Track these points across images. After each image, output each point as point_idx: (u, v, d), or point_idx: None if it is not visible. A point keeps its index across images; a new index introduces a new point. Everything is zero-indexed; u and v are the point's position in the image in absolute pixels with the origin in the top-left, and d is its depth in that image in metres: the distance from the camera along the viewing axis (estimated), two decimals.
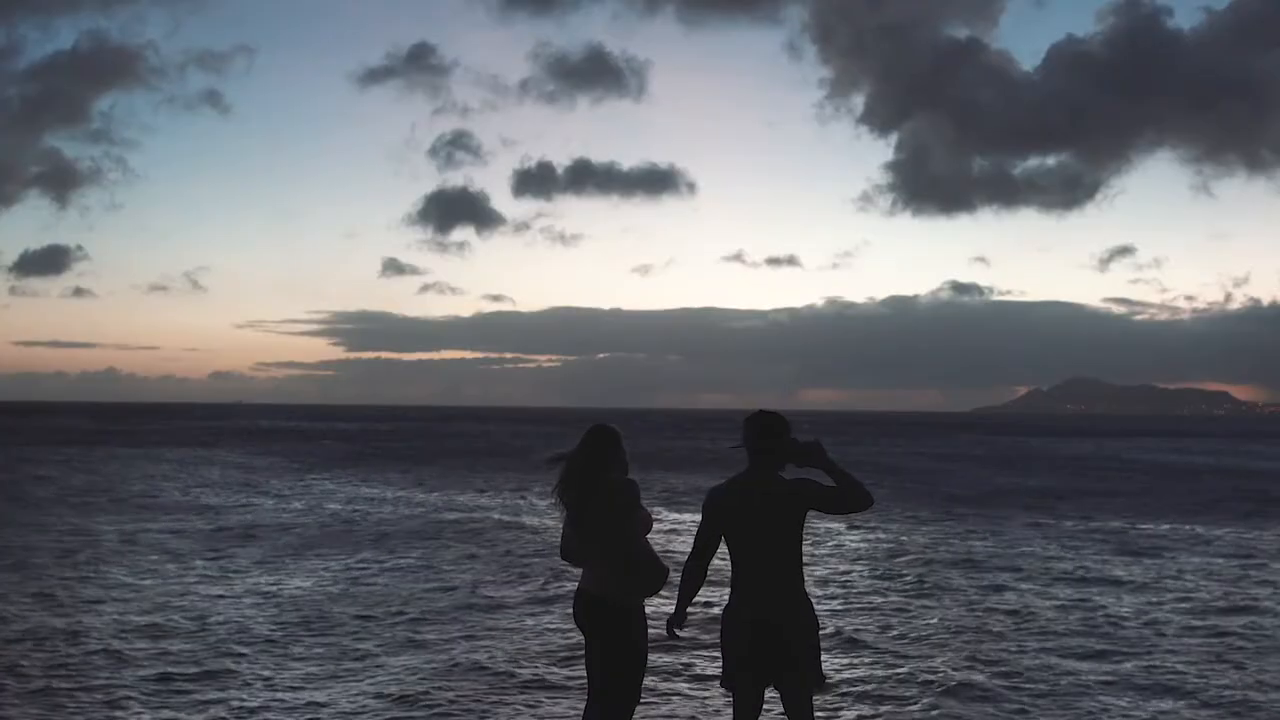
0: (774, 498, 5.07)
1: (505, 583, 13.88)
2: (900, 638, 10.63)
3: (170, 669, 9.12)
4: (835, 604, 12.38)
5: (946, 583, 13.97)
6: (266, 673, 9.02)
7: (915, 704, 8.26)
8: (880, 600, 12.74)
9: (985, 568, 15.42)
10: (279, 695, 8.35)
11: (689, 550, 5.29)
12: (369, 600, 12.54)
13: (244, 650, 9.82)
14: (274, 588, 13.34)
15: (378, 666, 9.34)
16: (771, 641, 5.01)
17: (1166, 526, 21.60)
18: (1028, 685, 8.77)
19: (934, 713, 8.03)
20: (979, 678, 8.96)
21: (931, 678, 8.95)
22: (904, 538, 18.93)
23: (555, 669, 9.24)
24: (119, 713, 7.90)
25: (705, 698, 8.33)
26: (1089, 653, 9.99)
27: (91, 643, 10.04)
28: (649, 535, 5.58)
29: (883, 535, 19.27)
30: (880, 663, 9.55)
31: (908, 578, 14.40)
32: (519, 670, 9.20)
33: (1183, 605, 12.54)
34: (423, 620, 11.39)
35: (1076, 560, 16.26)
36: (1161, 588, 13.80)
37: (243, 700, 8.20)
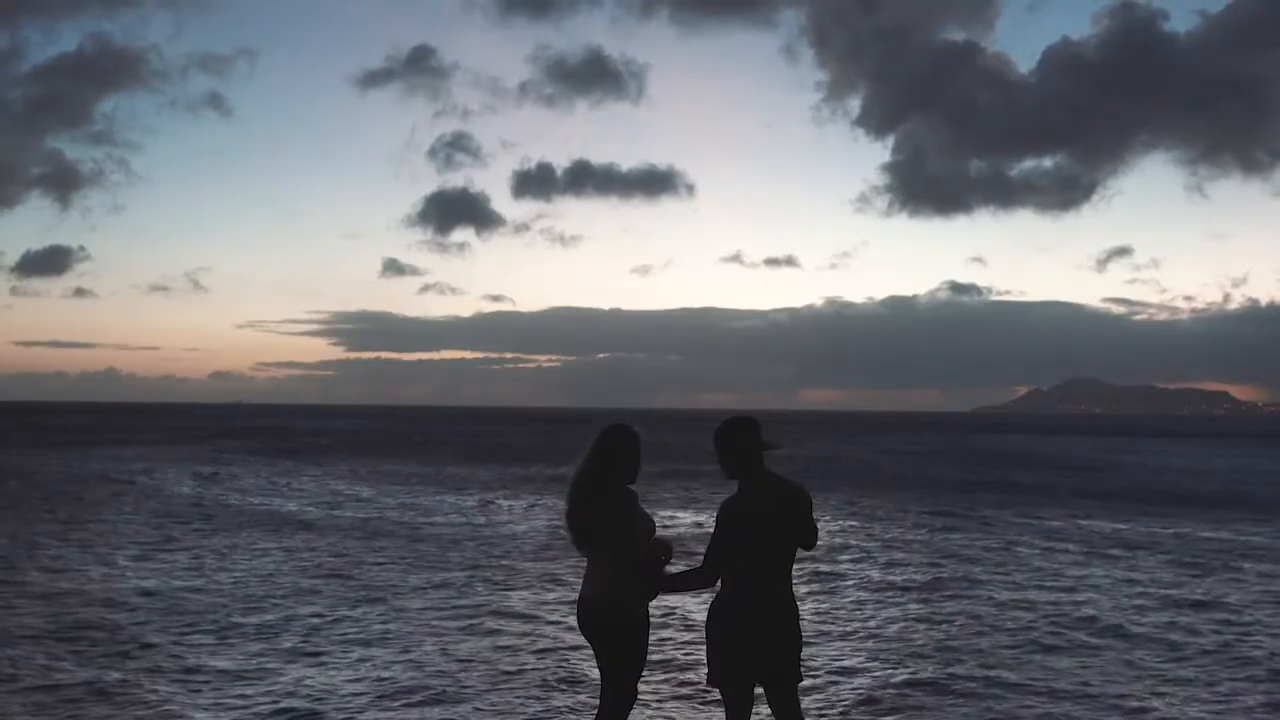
0: (774, 500, 5.17)
1: (421, 581, 13.99)
2: (846, 627, 10.72)
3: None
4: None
5: (896, 574, 14.13)
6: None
7: (887, 700, 8.38)
8: (826, 591, 12.91)
9: (943, 565, 15.53)
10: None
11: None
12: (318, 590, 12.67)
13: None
14: (214, 574, 13.52)
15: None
16: (768, 645, 5.08)
17: (1135, 525, 21.73)
18: (997, 680, 8.86)
19: (909, 706, 8.15)
20: (939, 670, 9.07)
21: (892, 672, 9.06)
22: (856, 527, 19.11)
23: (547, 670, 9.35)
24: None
25: (706, 698, 8.37)
26: (1054, 650, 10.07)
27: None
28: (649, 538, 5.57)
29: (834, 527, 19.46)
30: (846, 655, 9.67)
31: (859, 569, 14.55)
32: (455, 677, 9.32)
33: (1136, 604, 12.57)
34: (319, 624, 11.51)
35: (1041, 558, 16.39)
36: (1114, 589, 13.75)
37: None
